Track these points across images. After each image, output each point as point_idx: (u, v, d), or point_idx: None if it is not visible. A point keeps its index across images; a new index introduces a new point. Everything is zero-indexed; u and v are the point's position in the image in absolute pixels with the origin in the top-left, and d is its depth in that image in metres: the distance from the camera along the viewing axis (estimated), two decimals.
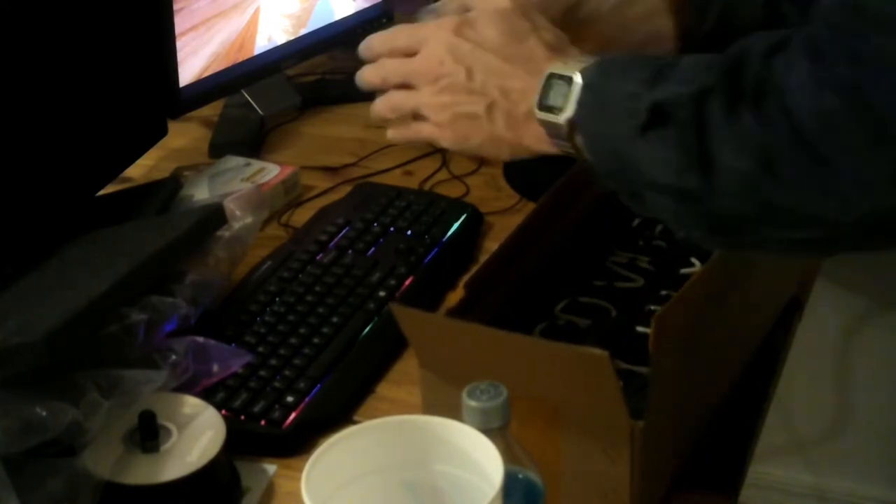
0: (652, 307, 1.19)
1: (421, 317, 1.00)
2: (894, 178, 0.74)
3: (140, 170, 1.57)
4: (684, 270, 1.25)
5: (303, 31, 1.73)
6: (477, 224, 1.45)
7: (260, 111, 1.71)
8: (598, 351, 0.90)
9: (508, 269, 1.17)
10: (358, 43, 1.78)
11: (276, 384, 1.15)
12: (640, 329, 1.15)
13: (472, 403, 0.83)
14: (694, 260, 1.26)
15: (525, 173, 1.50)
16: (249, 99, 1.71)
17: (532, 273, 1.22)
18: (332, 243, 1.38)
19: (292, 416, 1.12)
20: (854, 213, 0.76)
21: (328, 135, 1.73)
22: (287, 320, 1.24)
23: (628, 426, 0.93)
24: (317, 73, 1.89)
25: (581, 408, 0.95)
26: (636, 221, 1.34)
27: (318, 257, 1.35)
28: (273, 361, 1.18)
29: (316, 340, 1.21)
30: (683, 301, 0.98)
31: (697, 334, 1.03)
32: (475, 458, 0.80)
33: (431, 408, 0.97)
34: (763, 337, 1.23)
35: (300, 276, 1.31)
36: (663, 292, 1.21)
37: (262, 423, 1.11)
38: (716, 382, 1.13)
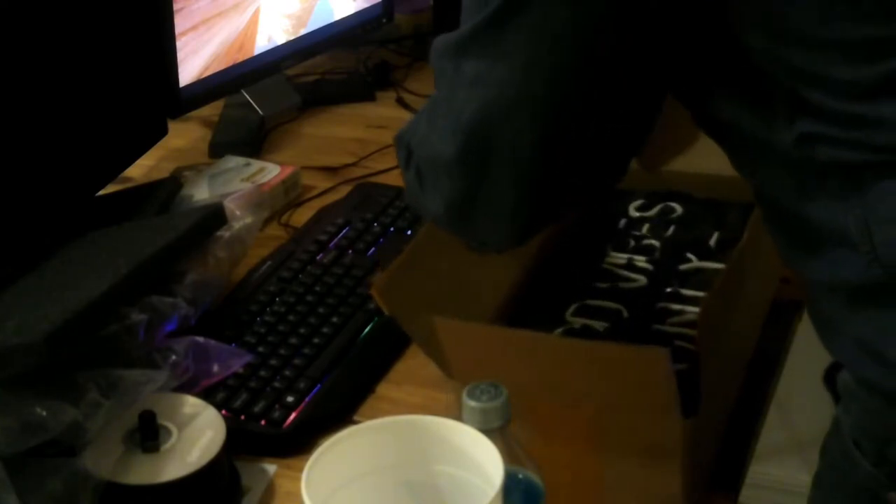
0: (660, 305, 1.20)
1: (464, 327, 1.00)
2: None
3: (140, 170, 1.57)
4: (683, 267, 1.25)
5: (303, 31, 1.73)
6: None
7: (260, 111, 1.71)
8: (657, 349, 0.90)
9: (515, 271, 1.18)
10: (358, 43, 1.79)
11: (276, 384, 1.15)
12: (656, 327, 1.15)
13: (472, 403, 0.83)
14: (690, 256, 1.26)
15: None
16: (249, 99, 1.71)
17: (535, 277, 1.22)
18: (332, 243, 1.38)
19: (292, 416, 1.12)
20: None
21: (328, 135, 1.73)
22: (287, 320, 1.24)
23: (680, 424, 0.93)
24: (317, 73, 1.90)
25: (629, 408, 0.95)
26: (622, 222, 1.34)
27: (318, 257, 1.35)
28: (273, 361, 1.18)
29: (316, 340, 1.21)
30: (718, 298, 0.98)
31: (722, 332, 1.04)
32: (475, 458, 0.80)
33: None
34: (757, 337, 1.23)
35: (300, 276, 1.31)
36: (668, 290, 1.22)
37: (262, 423, 1.11)
38: (734, 380, 1.13)
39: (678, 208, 1.36)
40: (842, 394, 0.96)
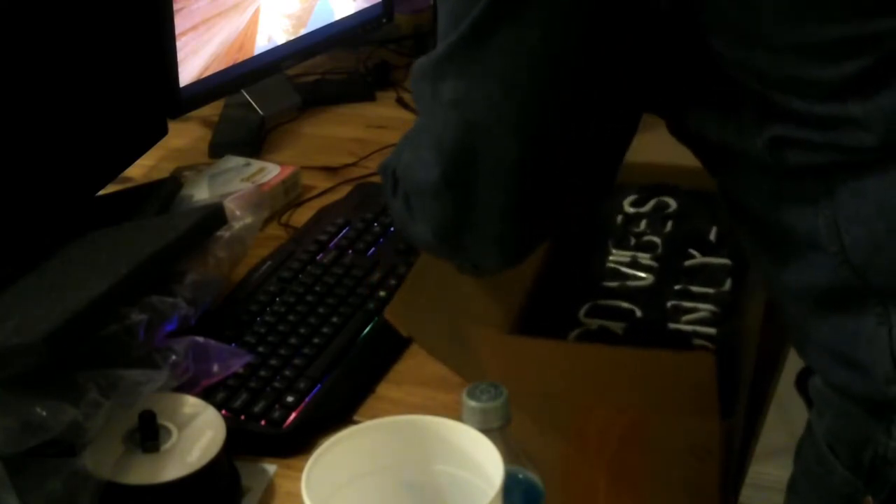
0: (672, 303, 1.20)
1: (505, 340, 1.01)
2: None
3: (140, 170, 1.57)
4: (688, 263, 1.26)
5: (303, 31, 1.73)
6: None
7: (260, 111, 1.71)
8: (703, 354, 0.90)
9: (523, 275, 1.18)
10: (358, 43, 1.78)
11: (276, 384, 1.15)
12: (672, 327, 1.16)
13: (472, 403, 0.83)
14: (693, 251, 1.27)
15: None
16: (249, 99, 1.71)
17: (542, 277, 1.23)
18: (332, 243, 1.38)
19: (292, 416, 1.12)
20: None
21: (328, 135, 1.73)
22: (287, 320, 1.24)
23: (719, 426, 0.94)
24: (317, 73, 1.90)
25: (671, 411, 0.96)
26: (619, 219, 1.35)
27: (318, 257, 1.35)
28: (273, 361, 1.18)
29: (316, 340, 1.21)
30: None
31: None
32: (475, 458, 0.80)
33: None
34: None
35: (300, 276, 1.31)
36: (676, 287, 1.22)
37: (262, 423, 1.11)
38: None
39: (672, 203, 1.36)
40: (814, 399, 0.96)
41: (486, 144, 0.89)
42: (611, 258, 1.28)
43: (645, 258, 1.27)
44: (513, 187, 0.91)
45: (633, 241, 1.30)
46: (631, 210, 1.36)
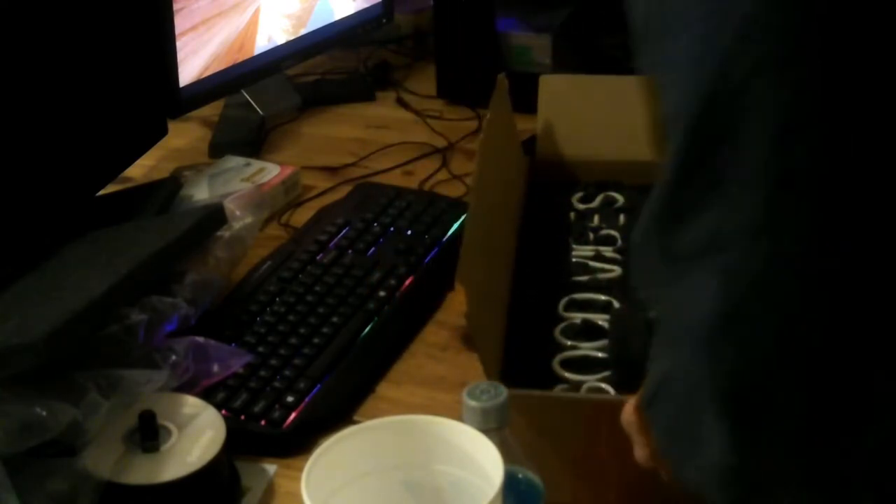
0: None
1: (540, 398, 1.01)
2: None
3: (140, 170, 1.57)
4: None
5: (303, 31, 1.73)
6: None
7: (260, 111, 1.71)
8: None
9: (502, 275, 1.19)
10: (358, 43, 1.77)
11: (276, 384, 1.15)
12: (653, 315, 1.17)
13: (472, 403, 0.83)
14: None
15: None
16: (249, 99, 1.71)
17: (518, 276, 1.23)
18: (332, 243, 1.38)
19: (292, 416, 1.12)
20: None
21: (328, 135, 1.73)
22: (287, 320, 1.24)
23: None
24: (317, 73, 1.90)
25: None
26: (572, 216, 1.37)
27: (318, 257, 1.35)
28: (273, 361, 1.18)
29: (316, 340, 1.21)
30: None
31: None
32: (475, 458, 0.80)
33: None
34: None
35: (300, 276, 1.31)
36: None
37: (262, 423, 1.11)
38: None
39: (619, 197, 1.39)
40: None
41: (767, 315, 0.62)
42: (574, 253, 1.30)
43: (608, 251, 1.30)
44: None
45: (591, 235, 1.33)
46: (581, 206, 1.39)
